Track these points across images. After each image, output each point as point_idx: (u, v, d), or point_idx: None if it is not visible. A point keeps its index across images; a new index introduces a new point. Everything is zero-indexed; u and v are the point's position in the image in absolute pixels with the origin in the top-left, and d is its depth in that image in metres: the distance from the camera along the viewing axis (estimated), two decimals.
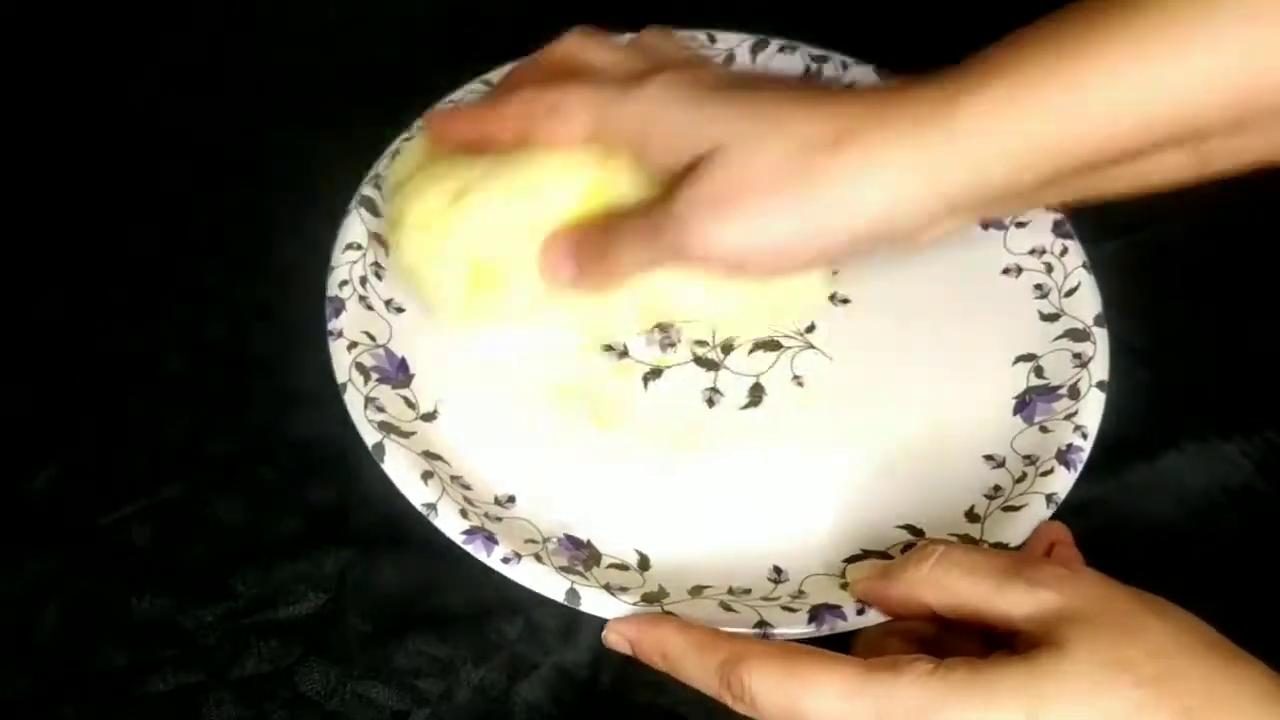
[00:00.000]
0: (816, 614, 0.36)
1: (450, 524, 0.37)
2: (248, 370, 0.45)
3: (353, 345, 0.42)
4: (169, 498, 0.41)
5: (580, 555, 0.38)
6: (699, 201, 0.36)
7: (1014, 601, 0.31)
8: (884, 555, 0.39)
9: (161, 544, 0.40)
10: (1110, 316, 0.44)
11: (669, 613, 0.35)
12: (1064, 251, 0.46)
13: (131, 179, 0.51)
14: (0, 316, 0.46)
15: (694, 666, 0.32)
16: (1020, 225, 0.47)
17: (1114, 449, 0.43)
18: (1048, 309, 0.45)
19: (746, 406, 0.43)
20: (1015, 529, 0.38)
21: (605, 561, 0.38)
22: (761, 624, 0.36)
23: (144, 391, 0.44)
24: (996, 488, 0.40)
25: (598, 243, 0.39)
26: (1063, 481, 0.39)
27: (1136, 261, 0.47)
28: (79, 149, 0.52)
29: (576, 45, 0.41)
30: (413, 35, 0.57)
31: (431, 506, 0.37)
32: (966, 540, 0.39)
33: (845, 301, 0.45)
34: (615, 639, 0.35)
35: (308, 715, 0.37)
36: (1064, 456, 0.40)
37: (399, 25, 0.58)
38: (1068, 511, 0.40)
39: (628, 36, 0.44)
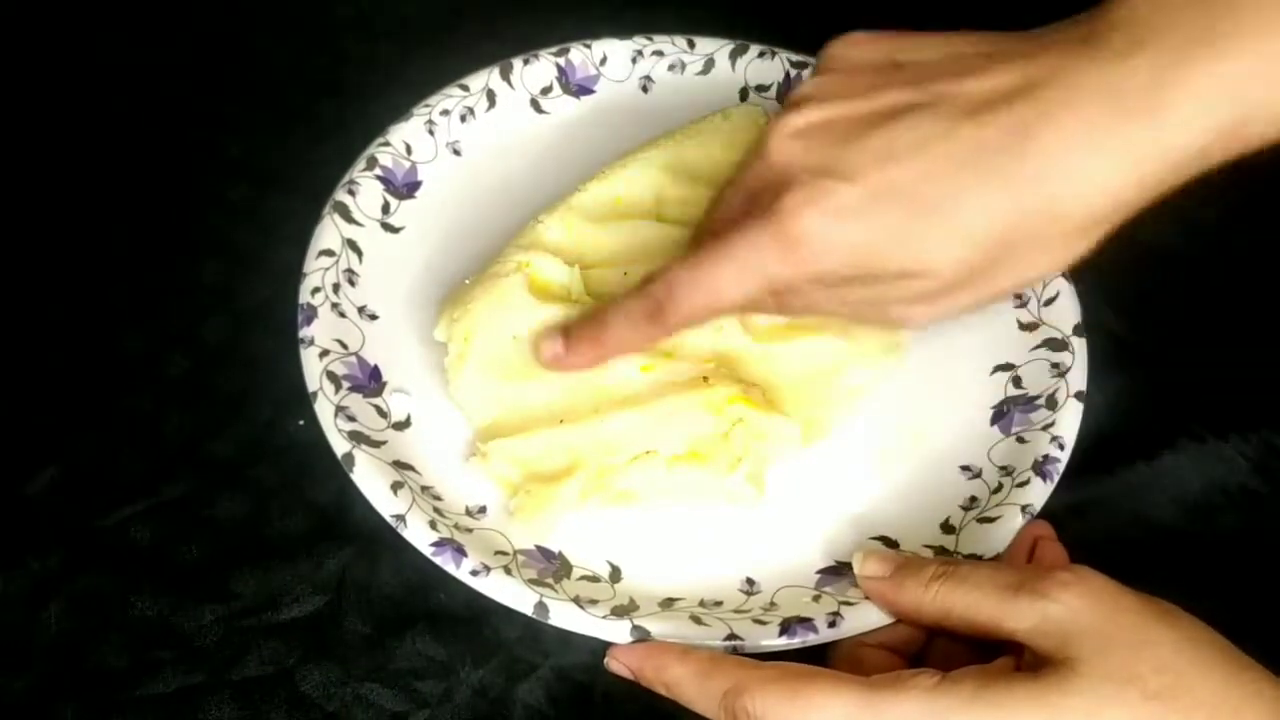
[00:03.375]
0: (788, 626, 0.35)
1: (419, 536, 0.36)
2: (248, 370, 0.44)
3: (324, 353, 0.40)
4: (169, 498, 0.41)
5: (551, 567, 0.37)
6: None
7: (1019, 616, 0.30)
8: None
9: (161, 544, 0.40)
10: (1108, 316, 0.44)
11: (672, 641, 0.34)
12: None
13: (131, 179, 0.50)
14: (0, 316, 0.46)
15: (697, 695, 0.32)
16: None
17: (1112, 449, 0.42)
18: (1026, 318, 0.44)
19: None
20: (991, 541, 0.37)
21: (576, 573, 0.37)
22: (732, 636, 0.35)
23: (144, 391, 0.44)
24: (973, 499, 0.39)
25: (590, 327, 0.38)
26: (1039, 493, 0.38)
27: (1134, 261, 0.46)
28: (79, 150, 0.51)
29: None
30: (413, 35, 0.57)
31: (400, 518, 0.36)
32: (941, 553, 0.38)
33: None
34: (617, 667, 0.34)
35: (307, 716, 0.36)
36: (1040, 468, 0.39)
37: (399, 25, 0.57)
38: (1066, 512, 0.39)
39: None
